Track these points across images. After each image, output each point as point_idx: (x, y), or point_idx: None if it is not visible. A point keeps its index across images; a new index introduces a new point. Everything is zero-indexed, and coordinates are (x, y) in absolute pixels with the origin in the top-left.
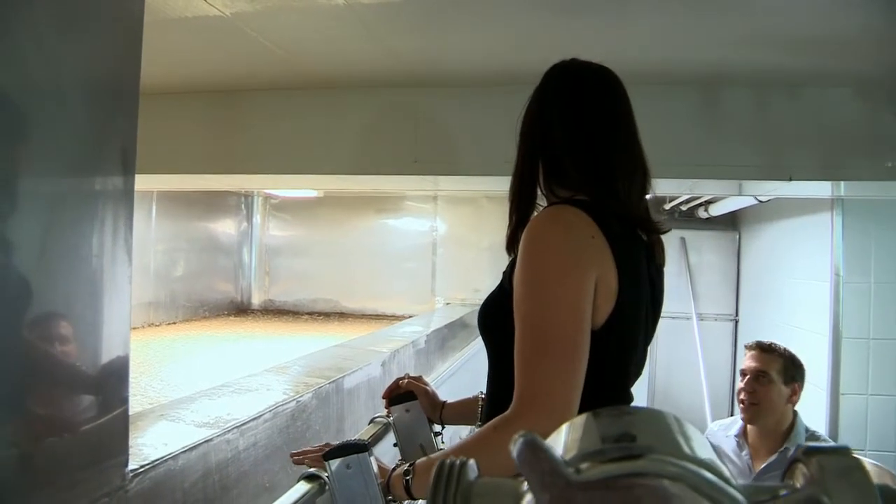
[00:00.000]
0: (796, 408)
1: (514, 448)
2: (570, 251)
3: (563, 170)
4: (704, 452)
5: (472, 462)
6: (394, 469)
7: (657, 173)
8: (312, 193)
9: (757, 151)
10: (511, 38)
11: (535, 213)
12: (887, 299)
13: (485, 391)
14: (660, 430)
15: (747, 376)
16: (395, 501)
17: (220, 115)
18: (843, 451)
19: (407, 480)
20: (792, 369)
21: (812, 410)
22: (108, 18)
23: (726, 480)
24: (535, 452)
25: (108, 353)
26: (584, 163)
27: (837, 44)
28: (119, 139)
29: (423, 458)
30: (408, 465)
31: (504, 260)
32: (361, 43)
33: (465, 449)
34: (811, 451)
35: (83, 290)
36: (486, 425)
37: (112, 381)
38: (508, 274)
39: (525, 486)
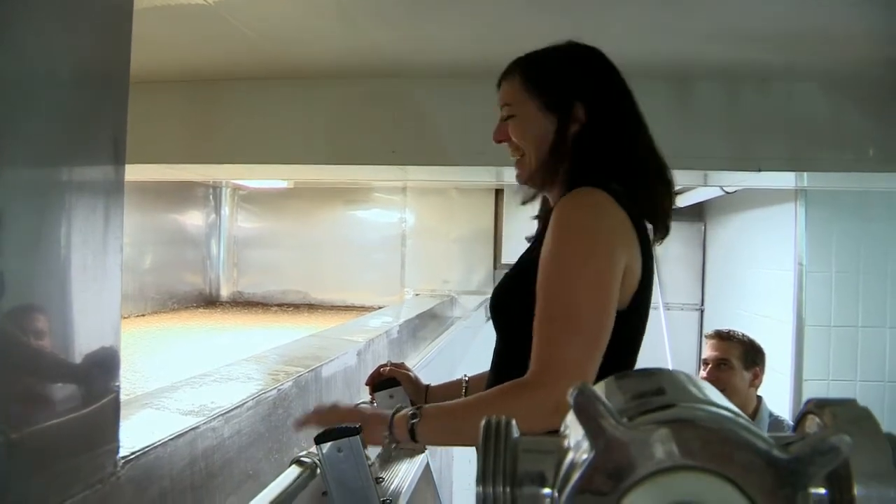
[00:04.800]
0: (761, 393)
1: (571, 398)
2: (603, 232)
3: (598, 156)
4: (727, 402)
5: (514, 421)
6: (396, 411)
7: None
8: (282, 184)
9: (727, 143)
10: (489, 29)
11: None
12: (847, 288)
13: (468, 374)
14: (683, 385)
15: (709, 365)
16: (382, 481)
17: (197, 105)
18: (853, 402)
19: (412, 424)
20: (752, 354)
21: (776, 396)
22: (98, 4)
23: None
24: (592, 402)
25: (99, 341)
26: (619, 155)
27: (805, 39)
28: (110, 128)
29: (432, 405)
30: (413, 408)
31: (474, 252)
32: (343, 33)
33: (479, 405)
34: (823, 403)
35: (75, 279)
36: (500, 387)
37: (103, 369)
38: (532, 256)
39: (565, 442)
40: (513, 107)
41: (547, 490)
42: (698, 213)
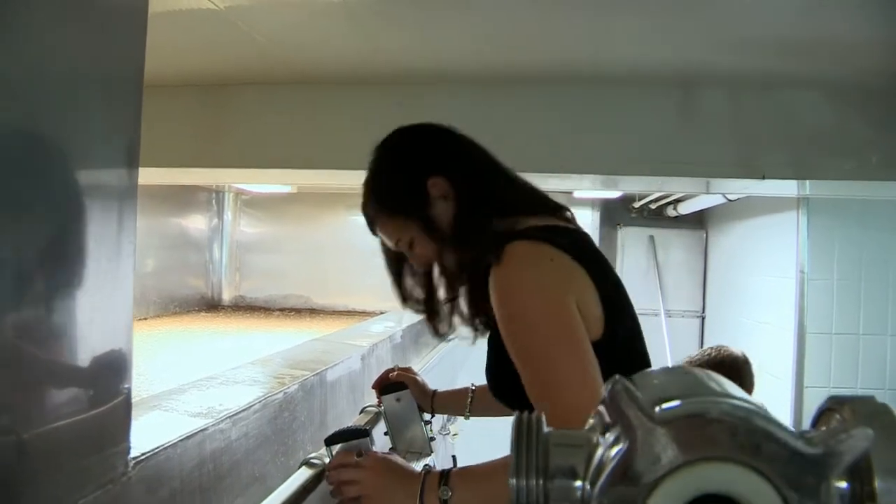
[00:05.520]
0: (763, 402)
1: (606, 391)
2: (540, 285)
3: (491, 208)
4: (750, 397)
5: (543, 416)
6: (423, 481)
7: (634, 171)
8: (285, 189)
9: (731, 150)
10: (496, 35)
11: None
12: (849, 296)
13: (475, 383)
14: (706, 382)
15: None
16: None
17: (206, 110)
18: (871, 399)
19: (444, 500)
20: (727, 374)
21: (777, 403)
22: (114, 8)
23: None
24: (628, 394)
25: (111, 343)
26: (507, 195)
27: (810, 48)
28: (124, 132)
29: (458, 470)
30: (440, 472)
31: None
32: (352, 39)
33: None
34: (843, 400)
35: (89, 281)
36: None
37: (115, 370)
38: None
39: (595, 436)
40: (404, 236)
41: (578, 483)
42: (700, 220)
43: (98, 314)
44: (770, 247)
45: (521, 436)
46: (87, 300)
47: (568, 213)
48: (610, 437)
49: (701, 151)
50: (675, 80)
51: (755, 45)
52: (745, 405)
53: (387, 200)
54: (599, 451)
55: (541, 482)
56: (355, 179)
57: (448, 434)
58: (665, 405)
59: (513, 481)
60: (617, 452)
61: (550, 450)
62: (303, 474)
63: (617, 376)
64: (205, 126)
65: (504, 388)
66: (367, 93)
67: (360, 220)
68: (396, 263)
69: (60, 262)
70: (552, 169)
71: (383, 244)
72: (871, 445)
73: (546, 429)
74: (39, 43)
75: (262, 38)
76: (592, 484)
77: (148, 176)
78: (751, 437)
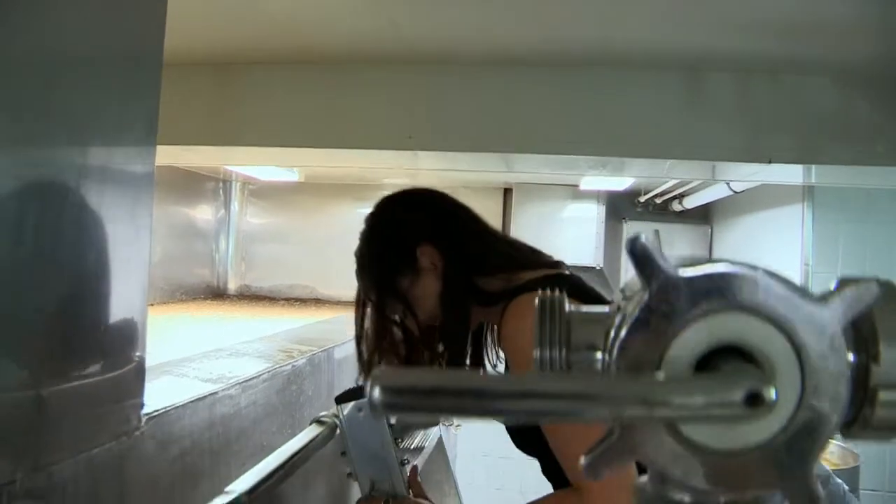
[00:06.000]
0: None
1: (628, 247)
2: None
3: (485, 269)
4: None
5: (565, 295)
6: None
7: (640, 153)
8: (293, 178)
9: (738, 134)
10: (507, 18)
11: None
12: None
13: None
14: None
15: None
16: (401, 443)
17: (218, 88)
18: (876, 277)
19: None
20: None
21: None
22: None
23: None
24: (648, 247)
25: (129, 309)
26: (498, 253)
27: (818, 33)
28: (144, 110)
29: None
30: None
31: None
32: (367, 18)
33: None
34: (850, 279)
35: (109, 252)
36: (557, 499)
37: (131, 332)
38: None
39: (615, 314)
40: (399, 304)
41: (599, 354)
42: (704, 215)
43: (116, 283)
44: (774, 240)
45: (545, 314)
46: (107, 271)
47: (559, 262)
48: (628, 306)
49: (707, 135)
50: (682, 63)
51: (760, 28)
52: (760, 267)
53: (379, 272)
54: (618, 319)
55: (563, 352)
56: (366, 161)
57: (451, 425)
58: (682, 265)
59: (536, 352)
60: (634, 313)
61: (573, 326)
62: (313, 431)
63: (639, 233)
64: (217, 105)
65: (527, 440)
66: (382, 74)
67: (368, 211)
68: (384, 329)
69: (82, 235)
70: (559, 150)
71: (374, 309)
72: (875, 302)
73: (567, 307)
74: (60, 17)
75: (282, 15)
76: (611, 352)
77: (158, 156)
78: (764, 291)
